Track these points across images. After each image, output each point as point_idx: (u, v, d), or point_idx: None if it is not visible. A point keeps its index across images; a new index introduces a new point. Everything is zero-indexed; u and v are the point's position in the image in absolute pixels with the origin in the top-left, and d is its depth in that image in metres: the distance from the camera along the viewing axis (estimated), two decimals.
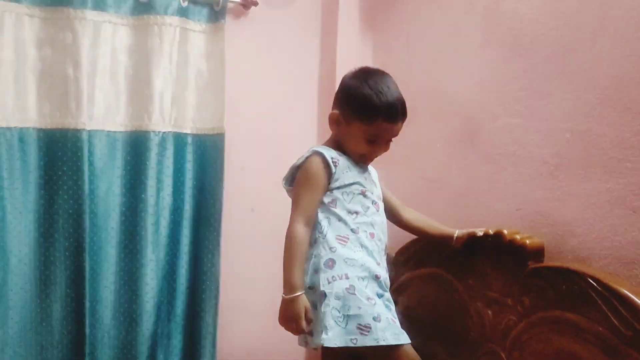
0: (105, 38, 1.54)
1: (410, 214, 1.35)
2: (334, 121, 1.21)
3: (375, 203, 1.22)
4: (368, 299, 1.11)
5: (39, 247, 1.50)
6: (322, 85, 1.85)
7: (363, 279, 1.13)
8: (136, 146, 1.59)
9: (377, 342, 1.08)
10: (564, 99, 1.16)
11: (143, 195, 1.58)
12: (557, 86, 1.18)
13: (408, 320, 1.22)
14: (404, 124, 1.20)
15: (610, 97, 1.06)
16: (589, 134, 1.10)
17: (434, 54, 1.57)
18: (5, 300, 1.45)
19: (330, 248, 1.14)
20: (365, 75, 1.19)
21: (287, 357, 1.75)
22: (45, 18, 1.47)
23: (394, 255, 1.50)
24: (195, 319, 1.67)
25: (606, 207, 1.07)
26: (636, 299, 0.94)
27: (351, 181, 1.18)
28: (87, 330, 1.51)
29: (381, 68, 1.26)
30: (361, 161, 1.23)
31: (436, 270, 1.39)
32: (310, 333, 1.13)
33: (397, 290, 1.47)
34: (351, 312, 1.10)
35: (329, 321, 1.09)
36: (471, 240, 1.25)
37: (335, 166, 1.17)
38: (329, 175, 1.16)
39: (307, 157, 1.18)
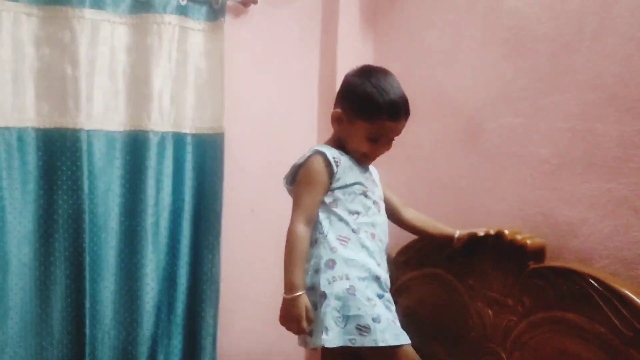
0: (104, 37, 1.53)
1: (411, 214, 1.34)
2: (336, 120, 1.21)
3: (377, 203, 1.22)
4: (368, 299, 1.11)
5: (39, 247, 1.50)
6: (322, 84, 1.84)
7: (363, 279, 1.13)
8: (135, 146, 1.59)
9: (376, 343, 1.08)
10: (565, 98, 1.16)
11: (142, 195, 1.58)
12: (559, 85, 1.17)
13: (408, 320, 1.22)
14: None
15: (612, 96, 1.06)
16: (591, 134, 1.10)
17: (435, 53, 1.56)
18: (5, 300, 1.45)
19: (331, 248, 1.14)
20: (368, 73, 1.18)
21: (287, 357, 1.75)
22: (43, 17, 1.47)
23: (394, 255, 1.50)
24: (195, 319, 1.67)
25: (608, 207, 1.06)
26: (637, 300, 0.94)
27: (353, 181, 1.18)
28: (87, 331, 1.51)
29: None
30: (363, 160, 1.22)
31: (437, 271, 1.39)
32: (310, 333, 1.13)
33: (398, 290, 1.47)
34: (351, 313, 1.09)
35: (329, 322, 1.09)
36: (472, 240, 1.25)
37: (337, 166, 1.16)
38: (331, 175, 1.16)
39: (308, 157, 1.17)
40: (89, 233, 1.51)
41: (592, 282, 1.00)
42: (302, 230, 1.13)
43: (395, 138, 1.21)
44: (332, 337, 1.08)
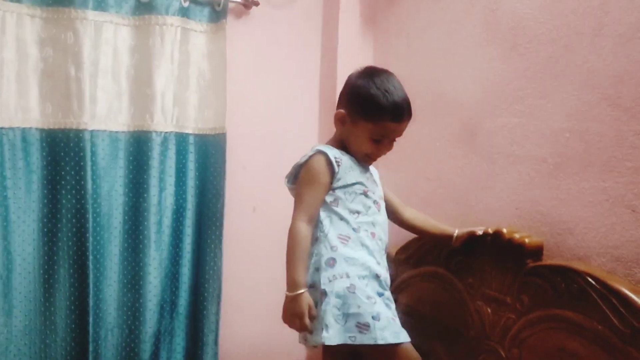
0: (107, 38, 1.54)
1: (410, 213, 1.35)
2: (339, 120, 1.22)
3: (377, 203, 1.23)
4: (368, 297, 1.12)
5: (43, 247, 1.51)
6: (323, 84, 1.85)
7: (363, 277, 1.14)
8: (138, 146, 1.60)
9: (375, 341, 1.09)
10: (563, 98, 1.16)
11: (145, 195, 1.59)
12: (557, 86, 1.18)
13: (408, 318, 1.23)
14: None
15: (610, 96, 1.07)
16: (588, 134, 1.11)
17: (434, 53, 1.57)
18: (9, 298, 1.46)
19: (332, 247, 1.15)
20: (371, 74, 1.19)
21: (288, 355, 1.76)
22: (46, 18, 1.48)
23: (394, 254, 1.51)
24: (197, 317, 1.68)
25: (605, 206, 1.07)
26: (634, 297, 0.95)
27: (353, 181, 1.19)
28: (91, 329, 1.52)
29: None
30: (365, 161, 1.24)
31: (436, 269, 1.40)
32: (311, 331, 1.14)
33: (398, 288, 1.48)
34: (351, 311, 1.11)
35: (329, 319, 1.10)
36: (471, 239, 1.26)
37: (339, 165, 1.17)
38: (332, 174, 1.17)
39: (310, 156, 1.18)
40: (92, 232, 1.52)
41: (590, 280, 1.01)
42: (303, 228, 1.15)
43: (396, 138, 1.22)
44: (332, 335, 1.10)
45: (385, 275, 1.20)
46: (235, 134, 1.70)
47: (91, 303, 1.52)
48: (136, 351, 1.61)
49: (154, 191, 1.60)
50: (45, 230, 1.51)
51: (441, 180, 1.52)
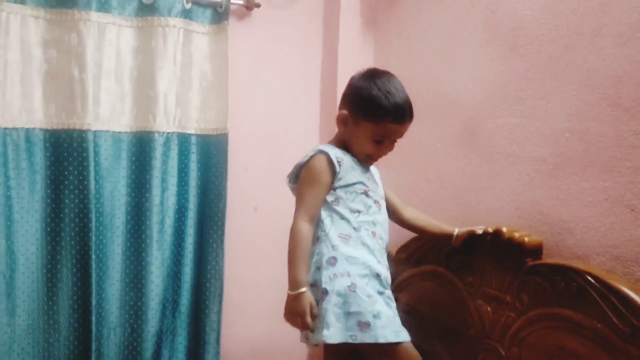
0: (110, 39, 1.55)
1: (410, 213, 1.36)
2: (341, 121, 1.23)
3: (377, 202, 1.24)
4: (369, 296, 1.13)
5: (46, 246, 1.52)
6: (324, 85, 1.86)
7: (364, 276, 1.15)
8: (141, 146, 1.61)
9: (376, 339, 1.10)
10: (563, 98, 1.17)
11: (148, 195, 1.60)
12: (557, 86, 1.18)
13: (408, 317, 1.24)
14: None
15: (610, 96, 1.07)
16: (588, 134, 1.11)
17: (435, 54, 1.58)
18: (12, 298, 1.47)
19: (333, 246, 1.16)
20: (373, 76, 1.21)
21: (289, 354, 1.77)
22: (50, 20, 1.49)
23: (394, 253, 1.51)
24: (199, 316, 1.69)
25: (604, 206, 1.08)
26: (634, 296, 0.95)
27: (354, 180, 1.20)
28: (94, 328, 1.53)
29: (382, 68, 1.27)
30: (366, 161, 1.24)
31: (436, 268, 1.40)
32: (312, 330, 1.15)
33: (398, 287, 1.49)
34: (352, 309, 1.11)
35: (330, 318, 1.11)
36: (471, 238, 1.27)
37: (340, 165, 1.18)
38: (333, 174, 1.18)
39: (312, 156, 1.19)
40: (95, 232, 1.53)
41: (590, 279, 1.01)
42: (305, 227, 1.15)
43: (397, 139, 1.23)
44: (333, 333, 1.10)
45: (385, 274, 1.20)
46: (237, 134, 1.71)
47: (94, 302, 1.53)
48: (138, 350, 1.62)
49: (156, 191, 1.61)
50: (49, 230, 1.52)
51: (442, 180, 1.52)
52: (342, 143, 1.24)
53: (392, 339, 1.12)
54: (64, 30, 1.49)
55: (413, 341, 1.16)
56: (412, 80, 1.26)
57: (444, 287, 1.38)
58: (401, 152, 1.33)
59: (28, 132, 1.48)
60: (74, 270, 1.53)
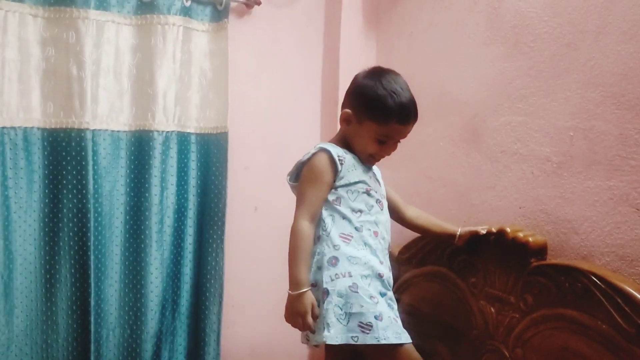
0: (109, 37, 1.54)
1: (413, 212, 1.35)
2: (345, 120, 1.21)
3: (379, 202, 1.22)
4: (371, 297, 1.12)
5: (44, 246, 1.51)
6: (325, 83, 1.85)
7: (366, 277, 1.14)
8: (140, 145, 1.60)
9: (378, 340, 1.09)
10: (567, 96, 1.16)
11: (147, 195, 1.59)
12: (560, 84, 1.17)
13: (411, 318, 1.23)
14: None
15: (614, 94, 1.06)
16: (592, 132, 1.10)
17: (437, 52, 1.57)
18: (11, 298, 1.46)
19: (334, 246, 1.14)
20: (378, 75, 1.19)
21: (290, 355, 1.76)
22: (48, 18, 1.48)
23: (396, 253, 1.51)
24: (199, 317, 1.68)
25: (609, 205, 1.07)
26: (639, 296, 0.94)
27: (356, 180, 1.19)
28: (92, 328, 1.52)
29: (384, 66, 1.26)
30: (369, 161, 1.23)
31: (439, 268, 1.39)
32: (313, 330, 1.14)
33: (400, 288, 1.48)
34: (353, 310, 1.10)
35: (331, 318, 1.10)
36: (474, 238, 1.26)
37: (341, 164, 1.17)
38: (335, 172, 1.16)
39: (313, 154, 1.18)
40: (94, 232, 1.52)
41: (594, 279, 1.01)
42: (306, 227, 1.14)
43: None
44: (334, 334, 1.09)
45: (388, 274, 1.19)
46: (237, 133, 1.70)
47: (93, 303, 1.52)
48: (138, 351, 1.61)
49: (155, 191, 1.60)
50: (47, 229, 1.51)
51: (444, 179, 1.51)
52: (344, 141, 1.23)
53: (393, 340, 1.10)
54: (63, 28, 1.49)
55: (415, 342, 1.15)
56: (414, 79, 1.25)
57: (447, 288, 1.37)
58: (403, 151, 1.32)
59: (26, 131, 1.47)
60: (73, 270, 1.52)
